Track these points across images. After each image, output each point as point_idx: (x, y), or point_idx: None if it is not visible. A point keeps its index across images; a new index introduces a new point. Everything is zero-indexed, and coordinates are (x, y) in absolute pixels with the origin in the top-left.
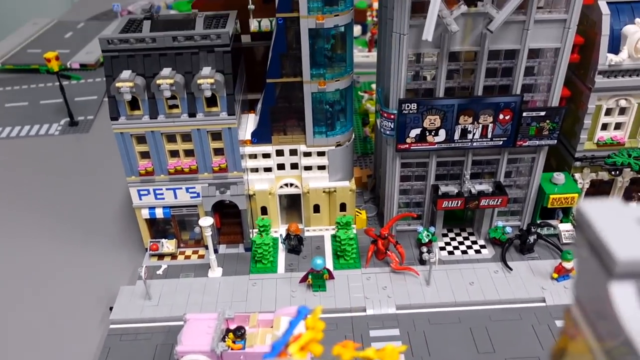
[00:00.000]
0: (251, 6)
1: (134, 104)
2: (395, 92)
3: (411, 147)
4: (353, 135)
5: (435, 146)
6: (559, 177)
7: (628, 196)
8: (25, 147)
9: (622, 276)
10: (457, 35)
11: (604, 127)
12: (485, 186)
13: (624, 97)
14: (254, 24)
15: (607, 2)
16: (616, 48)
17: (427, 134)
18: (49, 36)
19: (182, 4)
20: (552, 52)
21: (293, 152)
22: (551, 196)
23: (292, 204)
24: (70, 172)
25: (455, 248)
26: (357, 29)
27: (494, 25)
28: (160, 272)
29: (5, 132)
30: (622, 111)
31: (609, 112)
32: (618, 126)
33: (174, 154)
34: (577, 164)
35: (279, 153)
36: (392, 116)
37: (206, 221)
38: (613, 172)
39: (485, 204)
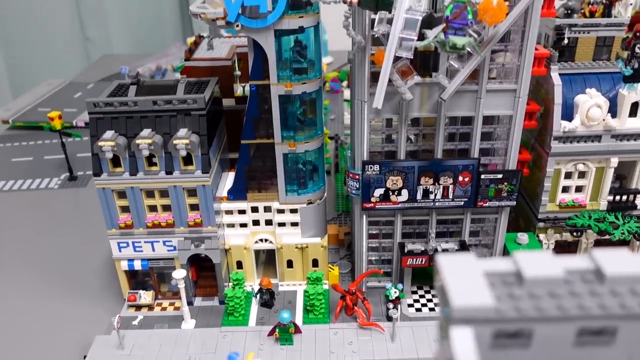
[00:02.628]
0: (237, 72)
1: (116, 162)
2: (359, 154)
3: (376, 206)
4: (325, 194)
5: (399, 205)
6: (523, 237)
7: None
8: (24, 200)
9: (459, 322)
10: (415, 102)
11: (565, 189)
12: (451, 245)
13: (581, 162)
14: (239, 89)
15: (560, 74)
16: (570, 115)
17: (391, 193)
18: (60, 96)
19: None
20: (507, 119)
21: (267, 209)
22: None
23: (269, 259)
24: (63, 224)
25: (424, 305)
26: (348, 93)
27: (446, 94)
28: (135, 322)
29: (8, 185)
30: (582, 174)
31: (569, 175)
32: (580, 189)
33: (153, 208)
34: (541, 224)
35: (254, 209)
36: (357, 176)
37: (179, 273)
38: (575, 234)
39: None
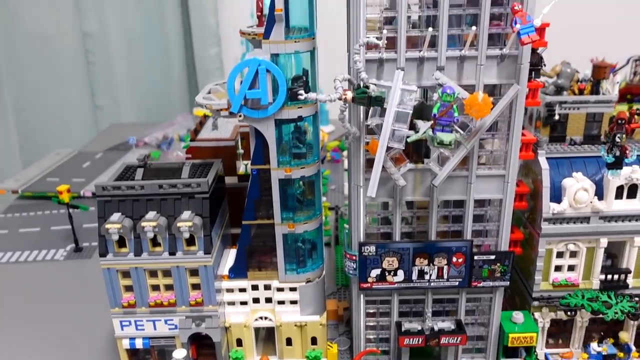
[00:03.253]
0: (240, 150)
1: (121, 242)
2: (356, 235)
3: (373, 287)
4: (323, 272)
5: (395, 285)
6: (518, 316)
7: (589, 335)
8: (31, 272)
9: None
10: (408, 186)
11: (558, 268)
12: (447, 324)
13: (572, 242)
14: (242, 167)
15: (547, 158)
16: (559, 197)
17: (387, 274)
18: (68, 166)
19: None
20: (498, 201)
21: (267, 287)
22: (510, 335)
23: (269, 335)
24: (67, 298)
25: None
26: None
27: (437, 180)
28: None
29: (15, 256)
30: (574, 254)
31: (560, 254)
32: (572, 268)
33: (155, 287)
34: (536, 303)
35: (254, 287)
36: (354, 257)
37: (180, 353)
38: (569, 313)
39: (446, 342)
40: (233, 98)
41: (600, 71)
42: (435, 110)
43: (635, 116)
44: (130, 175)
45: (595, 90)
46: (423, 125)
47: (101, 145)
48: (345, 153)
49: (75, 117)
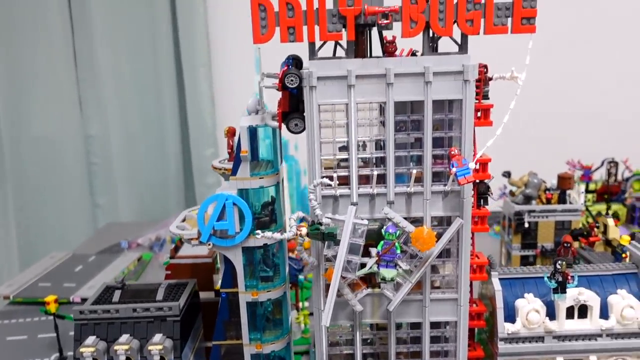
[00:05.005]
0: (218, 265)
1: None
2: (319, 356)
3: None
4: None
5: None
6: None
7: None
8: None
9: None
10: (366, 310)
11: None
12: None
13: None
14: (219, 282)
15: (500, 278)
16: (514, 317)
17: None
18: (61, 270)
19: None
20: (454, 324)
21: None
22: None
23: None
24: None
25: None
26: None
27: (392, 305)
28: None
29: None
30: None
31: None
32: None
33: None
34: None
35: None
36: None
37: None
38: None
39: None
40: (202, 228)
41: (566, 182)
42: (379, 248)
43: (595, 229)
44: (108, 297)
45: (562, 199)
46: (369, 262)
47: (96, 245)
48: None
49: (74, 215)
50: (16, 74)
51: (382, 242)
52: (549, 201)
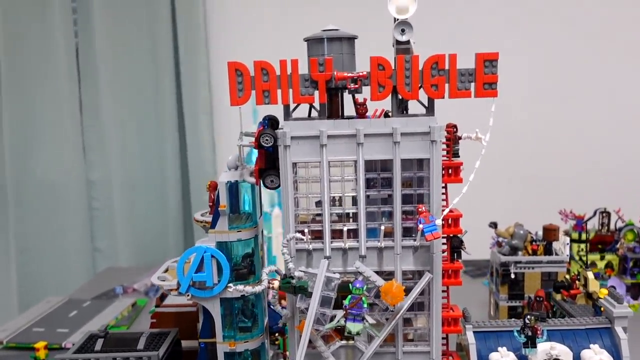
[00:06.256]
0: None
1: None
2: None
3: None
4: None
5: None
6: None
7: None
8: None
9: None
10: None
11: None
12: None
13: None
14: None
15: (474, 332)
16: None
17: None
18: (55, 315)
19: None
20: None
21: None
22: None
23: None
24: None
25: None
26: None
27: (364, 358)
28: None
29: None
30: None
31: None
32: None
33: None
34: None
35: None
36: None
37: None
38: None
39: None
40: (182, 279)
41: (551, 233)
42: (346, 302)
43: (576, 282)
44: (91, 346)
45: (548, 250)
46: (337, 316)
47: (93, 290)
48: None
49: (75, 259)
50: (24, 121)
51: (349, 297)
52: (535, 252)
